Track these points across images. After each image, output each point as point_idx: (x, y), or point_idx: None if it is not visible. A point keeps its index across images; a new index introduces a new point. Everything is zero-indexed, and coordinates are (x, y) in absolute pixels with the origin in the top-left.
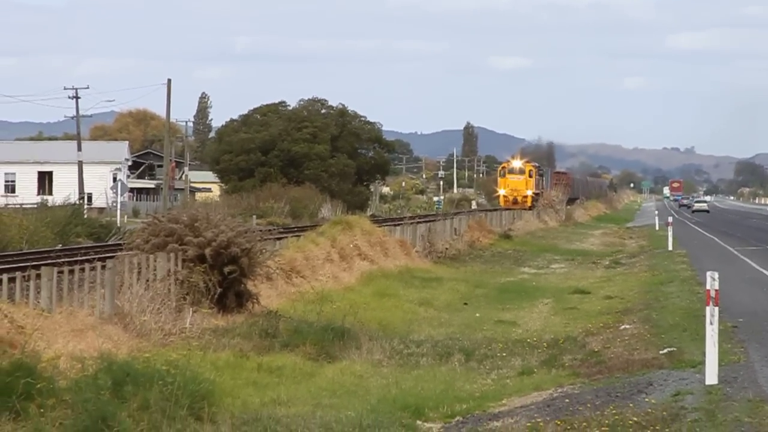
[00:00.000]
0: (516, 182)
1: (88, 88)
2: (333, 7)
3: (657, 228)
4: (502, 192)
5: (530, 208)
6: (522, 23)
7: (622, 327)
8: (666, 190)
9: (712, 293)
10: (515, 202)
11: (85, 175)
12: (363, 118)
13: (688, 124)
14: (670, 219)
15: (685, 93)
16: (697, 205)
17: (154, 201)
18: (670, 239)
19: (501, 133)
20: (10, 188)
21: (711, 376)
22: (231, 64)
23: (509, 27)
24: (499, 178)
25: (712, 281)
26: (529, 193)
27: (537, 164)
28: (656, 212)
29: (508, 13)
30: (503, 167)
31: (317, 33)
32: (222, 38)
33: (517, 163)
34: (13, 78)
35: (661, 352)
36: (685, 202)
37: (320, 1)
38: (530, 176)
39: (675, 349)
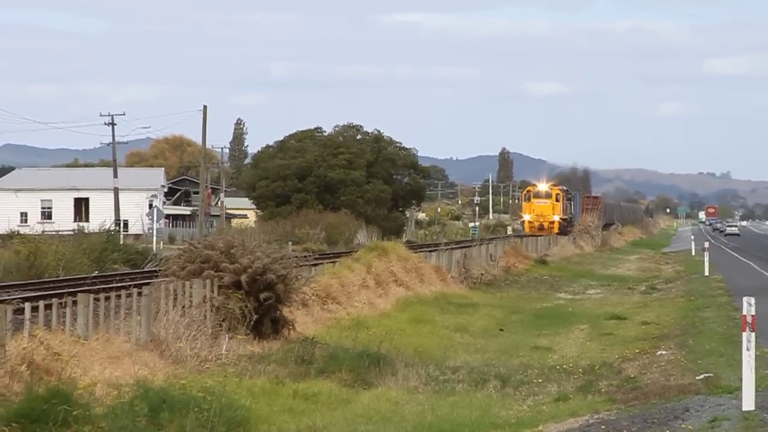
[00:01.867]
0: (542, 207)
1: (124, 114)
2: (369, 34)
3: (693, 253)
4: (526, 217)
5: (558, 234)
6: (558, 48)
7: (659, 353)
8: (702, 215)
9: (749, 319)
10: (541, 228)
11: (121, 202)
12: (398, 144)
13: (724, 149)
14: (707, 244)
15: (722, 118)
16: (729, 229)
17: (189, 227)
18: (707, 264)
19: (536, 158)
20: (47, 215)
21: (748, 402)
22: (267, 91)
23: (545, 52)
24: (523, 203)
25: (748, 307)
26: (556, 218)
27: (565, 188)
28: (692, 237)
29: (544, 38)
30: (528, 191)
31: (353, 59)
32: (258, 64)
33: (542, 187)
34: (51, 105)
35: (697, 377)
36: (718, 226)
37: (356, 28)
38: (557, 200)
39: (712, 374)
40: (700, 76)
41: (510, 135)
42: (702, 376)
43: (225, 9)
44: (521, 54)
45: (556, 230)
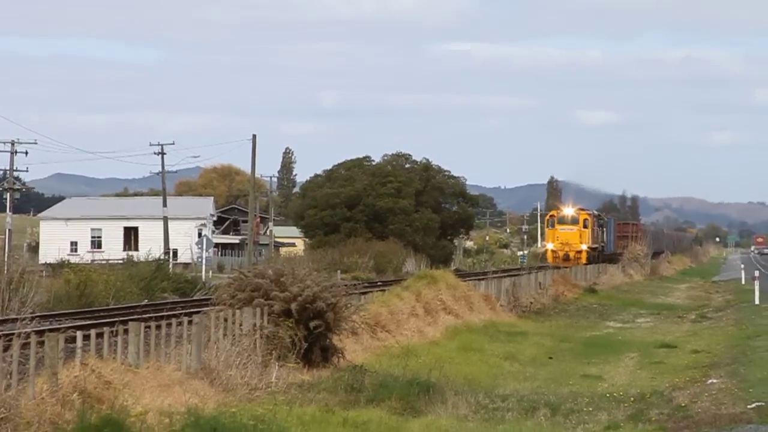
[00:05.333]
0: (567, 234)
1: (173, 144)
2: (419, 63)
3: (743, 282)
4: (549, 246)
5: (586, 265)
6: (610, 77)
7: (709, 381)
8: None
9: None
10: (566, 258)
11: (170, 231)
12: (447, 173)
13: None
14: (757, 273)
15: None
16: None
17: (238, 256)
18: (757, 293)
19: (585, 187)
20: (97, 244)
21: None
22: (316, 120)
23: (597, 81)
24: (546, 230)
25: None
26: (584, 247)
27: (596, 212)
28: (742, 266)
29: (596, 67)
30: (551, 216)
31: (403, 88)
32: (308, 93)
33: (568, 211)
34: (101, 134)
35: (749, 406)
36: (765, 251)
37: (407, 57)
38: (585, 227)
39: (763, 403)
40: (752, 105)
41: (559, 164)
42: (754, 405)
43: (275, 39)
44: (572, 83)
45: (584, 260)
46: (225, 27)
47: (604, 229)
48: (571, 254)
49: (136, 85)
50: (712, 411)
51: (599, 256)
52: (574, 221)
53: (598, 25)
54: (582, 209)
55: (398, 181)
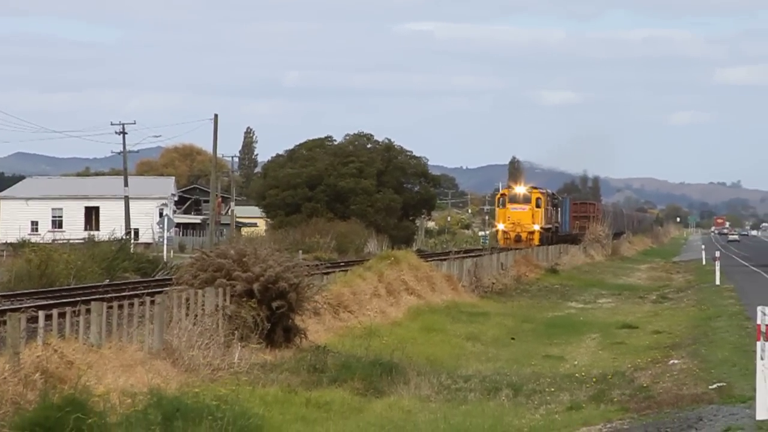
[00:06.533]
0: (519, 214)
1: (134, 123)
2: (381, 43)
3: (704, 263)
4: (500, 227)
5: (539, 246)
6: (572, 58)
7: (671, 362)
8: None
9: (763, 328)
10: (518, 240)
11: (131, 211)
12: (409, 153)
13: (735, 159)
14: (717, 254)
15: (732, 128)
16: (731, 237)
17: (200, 236)
18: (718, 274)
19: (546, 167)
20: (58, 223)
21: (762, 412)
22: (278, 99)
23: (559, 61)
24: (497, 209)
25: (762, 316)
26: (537, 228)
27: (550, 191)
28: (703, 246)
29: (557, 47)
30: (502, 194)
31: (364, 68)
32: (269, 73)
33: (520, 190)
34: (62, 113)
35: (710, 387)
36: (725, 232)
37: (368, 37)
38: (538, 206)
39: (725, 384)
40: (711, 86)
41: (521, 144)
42: (715, 386)
43: (236, 18)
44: (535, 63)
45: (536, 242)
46: (187, 6)
47: (559, 208)
48: (523, 235)
49: (97, 64)
50: (673, 391)
51: (553, 237)
52: (526, 200)
53: (561, 5)
54: (534, 188)
55: (360, 161)
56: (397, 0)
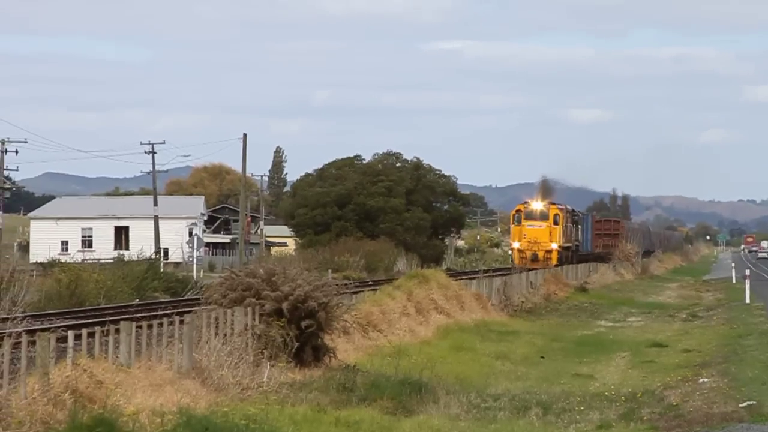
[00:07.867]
0: (535, 231)
1: (164, 143)
2: (410, 62)
3: (734, 281)
4: (515, 245)
5: (557, 266)
6: (601, 76)
7: (701, 380)
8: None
9: None
10: (534, 259)
11: (161, 230)
12: (438, 172)
13: (765, 176)
14: (747, 272)
15: (761, 145)
16: (761, 254)
17: (229, 255)
18: (748, 292)
19: (577, 186)
20: (87, 243)
21: None
22: (307, 118)
23: (588, 79)
24: (512, 227)
25: None
26: (555, 246)
27: (569, 207)
28: (732, 264)
29: (587, 66)
30: (517, 211)
31: (393, 87)
32: (299, 92)
33: (537, 206)
34: (92, 133)
35: (740, 405)
36: (754, 249)
37: (397, 56)
38: (556, 223)
39: (755, 402)
40: (741, 103)
41: (549, 163)
42: (745, 404)
43: (267, 37)
44: (563, 81)
45: (554, 261)
46: (216, 25)
47: (580, 226)
48: (540, 254)
49: (127, 84)
50: (703, 410)
51: (573, 256)
52: (544, 217)
53: (589, 23)
54: (553, 203)
55: (389, 180)
56: (426, 19)
